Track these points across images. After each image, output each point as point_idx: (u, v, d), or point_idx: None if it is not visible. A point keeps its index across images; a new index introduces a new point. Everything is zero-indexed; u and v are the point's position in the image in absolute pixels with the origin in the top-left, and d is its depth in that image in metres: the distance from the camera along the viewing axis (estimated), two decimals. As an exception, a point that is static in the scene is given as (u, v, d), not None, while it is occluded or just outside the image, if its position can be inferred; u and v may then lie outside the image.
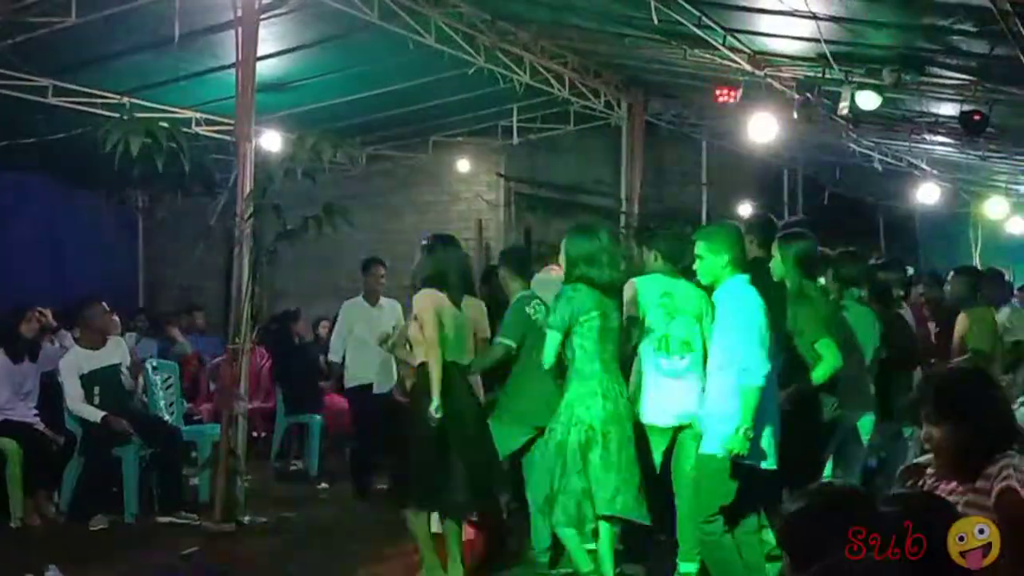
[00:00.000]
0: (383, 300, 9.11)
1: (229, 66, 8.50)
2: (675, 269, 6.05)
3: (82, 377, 8.06)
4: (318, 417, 10.20)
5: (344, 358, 9.04)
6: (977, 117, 8.79)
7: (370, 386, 8.53)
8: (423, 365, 5.97)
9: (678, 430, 6.01)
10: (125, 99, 10.83)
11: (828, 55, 8.32)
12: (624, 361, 6.00)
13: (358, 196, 12.30)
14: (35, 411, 8.31)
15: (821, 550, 2.28)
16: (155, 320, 12.66)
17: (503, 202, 14.28)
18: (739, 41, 8.75)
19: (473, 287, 7.24)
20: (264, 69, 8.61)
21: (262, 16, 7.95)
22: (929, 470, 3.28)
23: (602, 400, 5.65)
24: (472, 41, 9.64)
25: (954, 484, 3.15)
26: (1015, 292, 11.19)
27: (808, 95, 9.35)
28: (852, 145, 12.55)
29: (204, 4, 8.31)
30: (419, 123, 13.01)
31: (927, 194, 14.46)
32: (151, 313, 13.40)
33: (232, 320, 7.81)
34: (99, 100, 10.69)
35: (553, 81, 11.00)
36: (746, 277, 5.48)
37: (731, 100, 9.75)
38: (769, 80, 9.43)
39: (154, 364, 9.23)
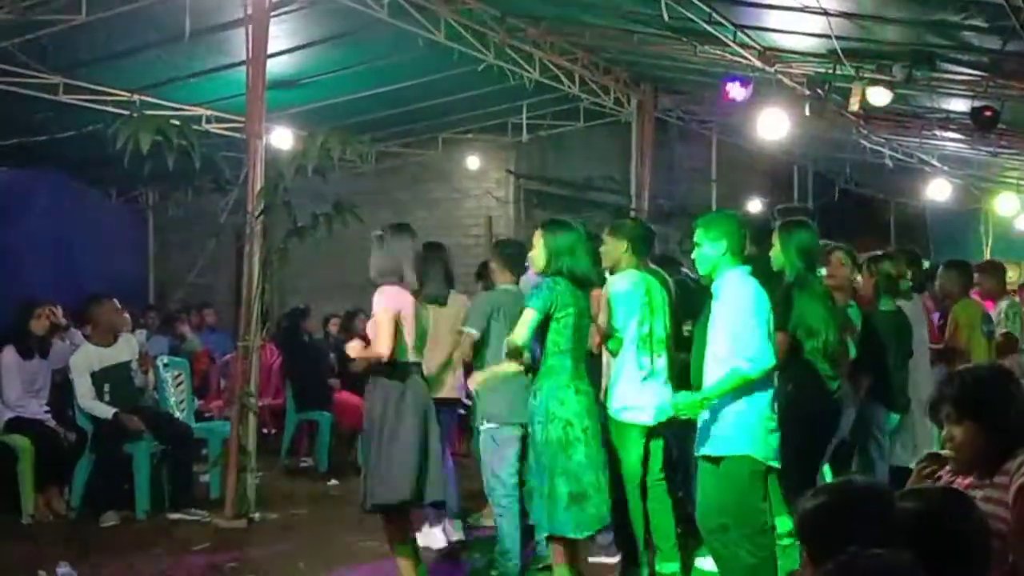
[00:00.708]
0: None
1: (239, 63, 8.51)
2: (643, 262, 6.00)
3: (93, 374, 8.08)
4: (328, 414, 10.20)
5: None
6: (988, 113, 8.78)
7: None
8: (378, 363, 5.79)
9: (652, 429, 6.02)
10: (135, 96, 10.85)
11: (839, 51, 8.31)
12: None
13: (368, 193, 12.31)
14: (46, 408, 8.34)
15: (838, 545, 2.27)
16: (165, 317, 12.69)
17: (512, 199, 14.28)
18: (749, 37, 8.74)
19: (451, 279, 7.25)
20: (274, 66, 8.62)
21: (272, 13, 7.95)
22: (948, 467, 3.26)
23: (575, 395, 5.55)
24: (482, 38, 9.64)
25: (971, 479, 3.14)
26: (1017, 290, 11.12)
27: (819, 91, 9.33)
28: (863, 141, 12.54)
29: (214, 1, 8.35)
30: (429, 120, 13.01)
31: (938, 190, 14.42)
32: (161, 310, 13.43)
33: (242, 317, 7.82)
34: (109, 97, 10.71)
35: (563, 78, 10.99)
36: (747, 268, 5.31)
37: (741, 97, 9.71)
38: (780, 76, 9.42)
39: (165, 361, 9.26)
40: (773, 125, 10.03)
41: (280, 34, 8.69)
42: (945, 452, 3.31)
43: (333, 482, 9.57)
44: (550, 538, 5.72)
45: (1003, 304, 8.40)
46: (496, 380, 6.11)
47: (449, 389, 7.14)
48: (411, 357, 5.73)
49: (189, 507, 8.11)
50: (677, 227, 12.14)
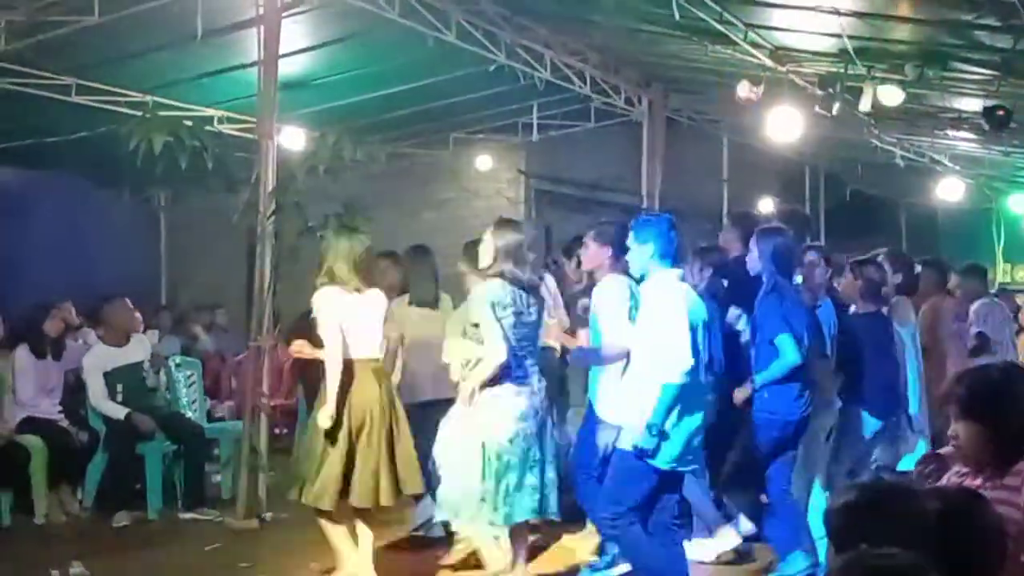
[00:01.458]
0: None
1: (251, 64, 8.53)
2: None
3: (106, 374, 8.12)
4: (340, 414, 10.18)
5: None
6: (1001, 112, 8.76)
7: None
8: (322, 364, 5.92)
9: None
10: (148, 97, 10.89)
11: (850, 50, 8.28)
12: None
13: (379, 194, 12.31)
14: (59, 408, 8.37)
15: (862, 542, 2.29)
16: (177, 317, 12.72)
17: (523, 199, 14.26)
18: (760, 37, 8.72)
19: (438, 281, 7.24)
20: (286, 67, 8.62)
21: (284, 14, 7.96)
22: (956, 467, 3.26)
23: (514, 397, 5.61)
24: (492, 38, 9.64)
25: (980, 480, 3.13)
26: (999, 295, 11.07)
27: (830, 91, 9.31)
28: (874, 141, 12.50)
29: (226, 2, 8.36)
30: (439, 120, 13.01)
31: (949, 190, 14.37)
32: (173, 311, 13.46)
33: (254, 317, 7.84)
34: (122, 98, 10.75)
35: (573, 77, 10.98)
36: (677, 272, 5.45)
37: (753, 100, 9.69)
38: (791, 76, 9.40)
39: (177, 361, 9.28)
40: (784, 125, 10.00)
41: (291, 35, 8.70)
42: (944, 451, 3.32)
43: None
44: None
45: (976, 305, 8.41)
46: None
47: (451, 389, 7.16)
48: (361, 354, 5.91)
49: (201, 507, 8.15)
50: (688, 227, 12.13)
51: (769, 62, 9.10)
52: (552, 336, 6.45)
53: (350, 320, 5.91)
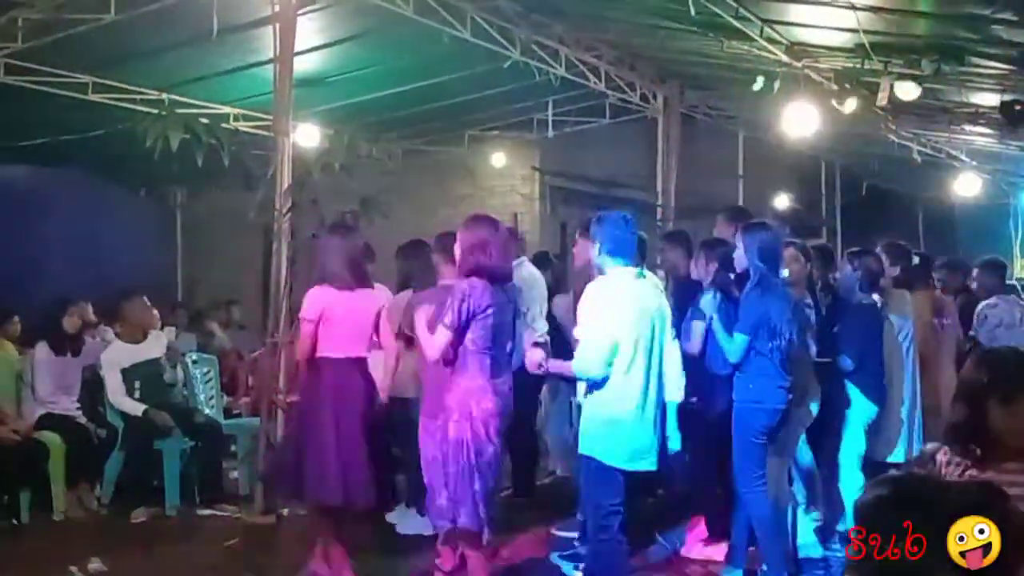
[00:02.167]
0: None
1: (267, 62, 8.55)
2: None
3: (123, 371, 8.16)
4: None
5: None
6: (1018, 107, 8.71)
7: None
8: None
9: None
10: (164, 95, 10.94)
11: (867, 45, 8.26)
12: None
13: (394, 191, 12.29)
14: (77, 405, 8.41)
15: (890, 535, 2.28)
16: (194, 314, 12.75)
17: (538, 196, 14.27)
18: (776, 32, 8.70)
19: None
20: (301, 64, 8.65)
21: (299, 11, 7.99)
22: (956, 460, 3.24)
23: (492, 396, 5.58)
24: (507, 34, 9.64)
25: (990, 473, 3.12)
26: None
27: (846, 86, 9.28)
28: (891, 137, 12.45)
29: (242, 0, 8.37)
30: (454, 117, 13.02)
31: (967, 186, 14.32)
32: (190, 307, 13.50)
33: (271, 314, 7.86)
34: (138, 96, 10.79)
35: (588, 74, 10.98)
36: (632, 270, 5.47)
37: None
38: (807, 71, 9.37)
39: (194, 358, 9.31)
40: (800, 121, 9.97)
41: (307, 32, 8.73)
42: (929, 448, 3.31)
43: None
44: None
45: (980, 305, 8.29)
46: None
47: None
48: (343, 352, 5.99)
49: (218, 503, 8.19)
50: (703, 224, 12.11)
51: (785, 58, 9.07)
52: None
53: (334, 318, 5.97)
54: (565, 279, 9.25)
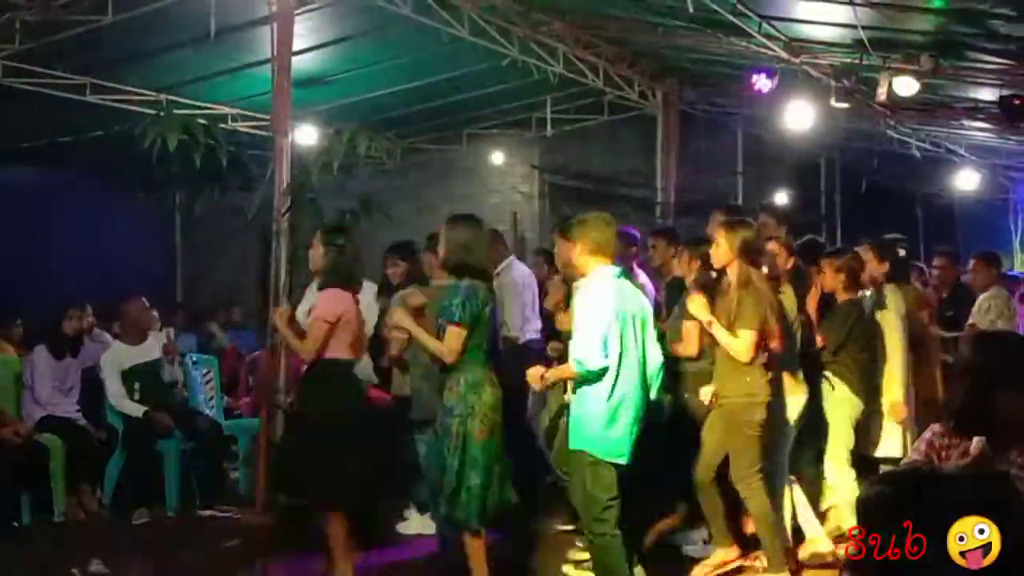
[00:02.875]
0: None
1: (265, 61, 8.54)
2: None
3: (123, 373, 8.14)
4: (356, 410, 10.19)
5: None
6: (1017, 102, 8.70)
7: None
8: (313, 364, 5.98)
9: None
10: (162, 96, 10.93)
11: (865, 41, 8.25)
12: None
13: (394, 190, 12.35)
14: (77, 407, 8.40)
15: (893, 530, 2.27)
16: (193, 315, 12.75)
17: (538, 194, 14.25)
18: (775, 28, 8.69)
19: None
20: (299, 64, 8.64)
21: (297, 11, 7.99)
22: (953, 440, 3.23)
23: (490, 388, 5.60)
24: (506, 33, 9.64)
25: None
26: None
27: (845, 82, 9.27)
28: (890, 132, 12.44)
29: (239, 0, 8.36)
30: (454, 116, 13.02)
31: (966, 181, 14.32)
32: (189, 308, 13.49)
33: (270, 314, 7.84)
34: (136, 97, 10.79)
35: (587, 71, 10.98)
36: (613, 270, 5.50)
37: (767, 88, 9.64)
38: (805, 68, 9.36)
39: (194, 359, 9.30)
40: (799, 117, 9.97)
41: (305, 32, 8.72)
42: (925, 442, 3.29)
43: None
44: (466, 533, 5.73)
45: (981, 297, 8.33)
46: None
47: None
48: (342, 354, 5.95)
49: (219, 504, 8.17)
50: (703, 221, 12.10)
51: (784, 54, 9.07)
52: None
53: (348, 320, 5.96)
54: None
